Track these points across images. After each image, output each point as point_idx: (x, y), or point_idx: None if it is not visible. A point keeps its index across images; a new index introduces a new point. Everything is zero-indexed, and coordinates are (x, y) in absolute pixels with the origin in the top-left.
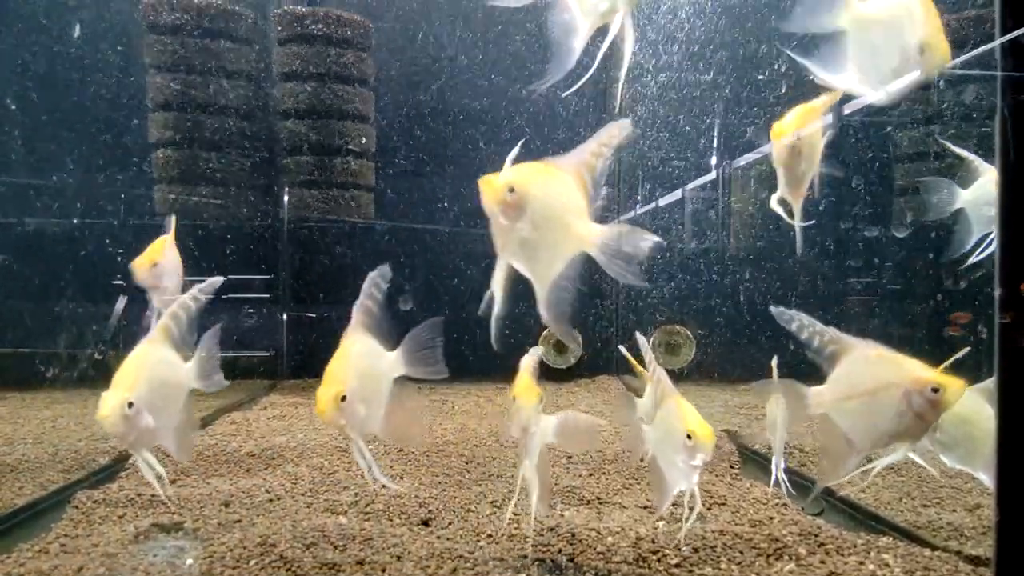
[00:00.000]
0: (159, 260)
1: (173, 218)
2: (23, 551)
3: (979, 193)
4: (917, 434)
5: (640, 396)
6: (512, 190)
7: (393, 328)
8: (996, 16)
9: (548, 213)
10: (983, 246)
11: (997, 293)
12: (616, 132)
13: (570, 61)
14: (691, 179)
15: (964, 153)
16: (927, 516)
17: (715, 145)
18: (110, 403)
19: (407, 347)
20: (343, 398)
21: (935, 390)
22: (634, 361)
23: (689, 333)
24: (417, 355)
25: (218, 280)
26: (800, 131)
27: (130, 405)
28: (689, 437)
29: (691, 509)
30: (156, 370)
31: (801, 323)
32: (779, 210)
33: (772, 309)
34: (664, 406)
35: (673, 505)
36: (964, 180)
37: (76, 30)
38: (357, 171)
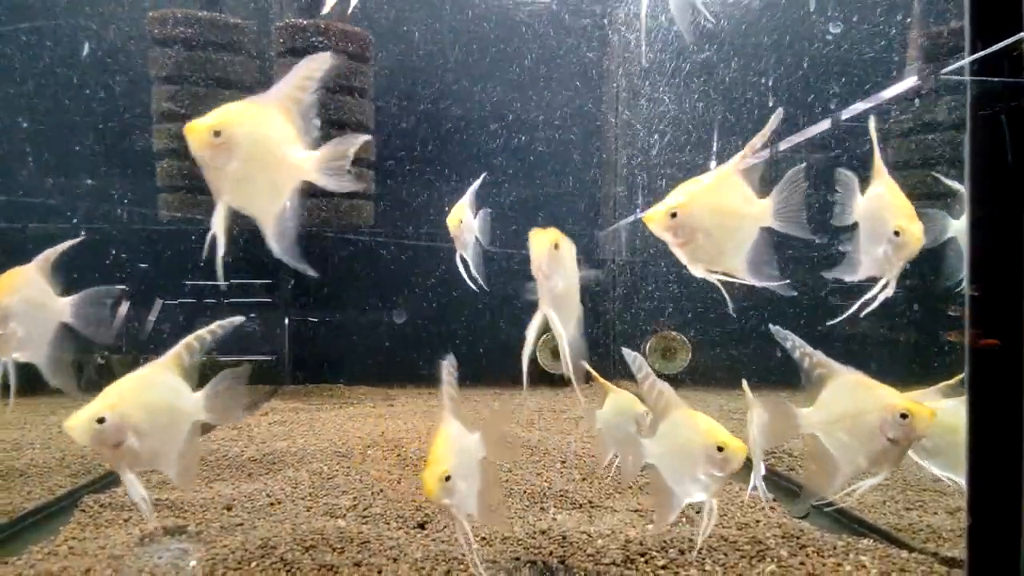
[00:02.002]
0: None
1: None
2: (33, 553)
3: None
4: (893, 458)
5: (638, 404)
6: (217, 133)
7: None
8: (966, 35)
9: (258, 150)
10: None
11: (967, 297)
12: (316, 65)
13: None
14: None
15: (956, 185)
16: (908, 519)
17: (714, 149)
18: (80, 416)
19: (485, 432)
20: (447, 478)
21: (904, 416)
22: (597, 374)
23: (685, 339)
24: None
25: (238, 319)
26: (680, 210)
27: (100, 420)
28: (720, 449)
29: (708, 516)
30: (156, 394)
31: (794, 344)
32: (708, 276)
33: (771, 327)
34: (671, 418)
35: None
36: (954, 210)
37: (85, 48)
38: (357, 179)
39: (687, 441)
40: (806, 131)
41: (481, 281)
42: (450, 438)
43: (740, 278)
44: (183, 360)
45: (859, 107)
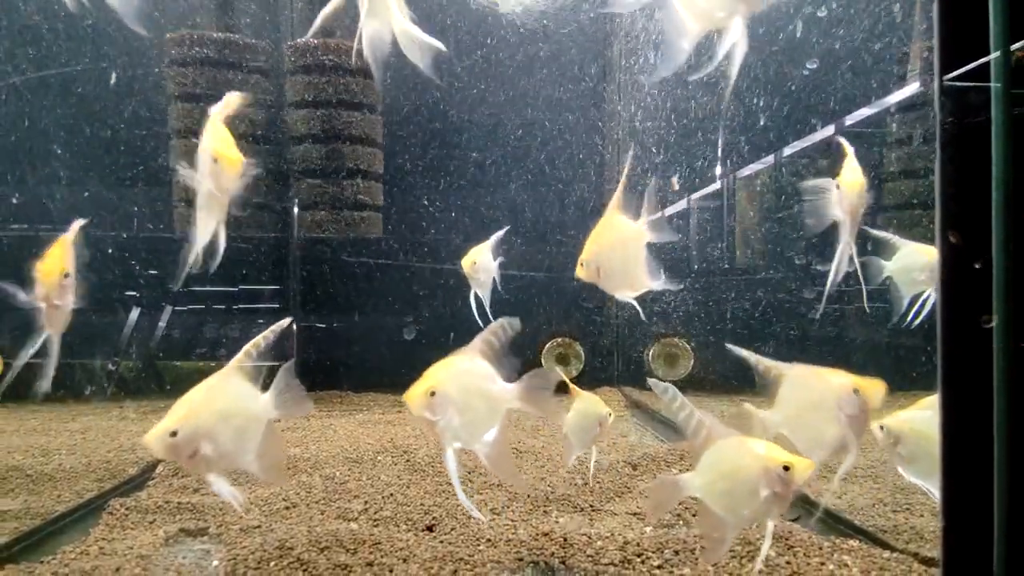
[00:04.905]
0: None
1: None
2: (66, 553)
3: (901, 264)
4: (852, 436)
5: (602, 406)
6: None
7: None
8: (935, 59)
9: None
10: (917, 306)
11: (937, 297)
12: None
13: (680, 60)
14: (695, 189)
15: (883, 234)
16: (895, 521)
17: (719, 155)
18: (155, 431)
19: (524, 383)
20: (432, 393)
21: (856, 391)
22: (569, 382)
23: (687, 345)
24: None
25: (285, 321)
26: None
27: (173, 434)
28: (787, 469)
29: (768, 539)
30: (226, 401)
31: (749, 357)
32: (627, 298)
33: (727, 345)
34: (717, 447)
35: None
36: (886, 254)
37: (112, 78)
38: (366, 192)
39: (742, 468)
40: (809, 137)
41: (491, 319)
42: (456, 363)
43: (648, 288)
44: (244, 366)
45: (860, 114)
